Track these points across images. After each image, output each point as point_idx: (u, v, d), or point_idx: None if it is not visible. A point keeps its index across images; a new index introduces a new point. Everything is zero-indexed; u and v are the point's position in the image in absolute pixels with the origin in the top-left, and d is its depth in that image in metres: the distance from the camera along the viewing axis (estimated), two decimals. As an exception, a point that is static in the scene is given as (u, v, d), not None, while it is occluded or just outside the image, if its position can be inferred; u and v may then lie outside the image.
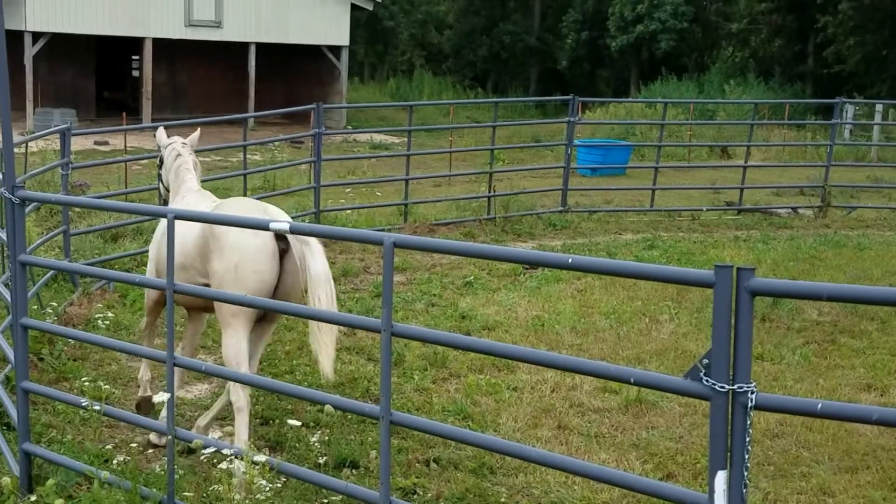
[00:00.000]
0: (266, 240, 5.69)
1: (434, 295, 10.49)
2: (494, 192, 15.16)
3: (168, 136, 7.02)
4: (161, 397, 4.95)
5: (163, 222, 5.80)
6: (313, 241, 5.69)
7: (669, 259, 12.52)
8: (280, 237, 5.69)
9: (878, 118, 27.70)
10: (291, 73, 35.78)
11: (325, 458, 5.88)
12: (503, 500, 5.63)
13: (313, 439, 5.78)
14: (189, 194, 6.64)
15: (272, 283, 5.74)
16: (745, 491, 3.00)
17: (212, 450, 4.90)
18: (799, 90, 39.26)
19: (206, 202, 6.45)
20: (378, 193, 17.49)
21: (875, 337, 9.00)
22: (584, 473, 3.92)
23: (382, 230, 13.40)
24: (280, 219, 5.43)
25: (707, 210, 16.02)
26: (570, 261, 3.36)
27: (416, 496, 5.67)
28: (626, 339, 8.95)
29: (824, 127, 23.50)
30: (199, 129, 7.61)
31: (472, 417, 6.96)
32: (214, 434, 6.44)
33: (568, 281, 11.01)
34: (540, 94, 48.43)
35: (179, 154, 6.88)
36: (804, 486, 5.83)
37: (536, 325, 9.33)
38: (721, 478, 3.01)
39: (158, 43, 30.45)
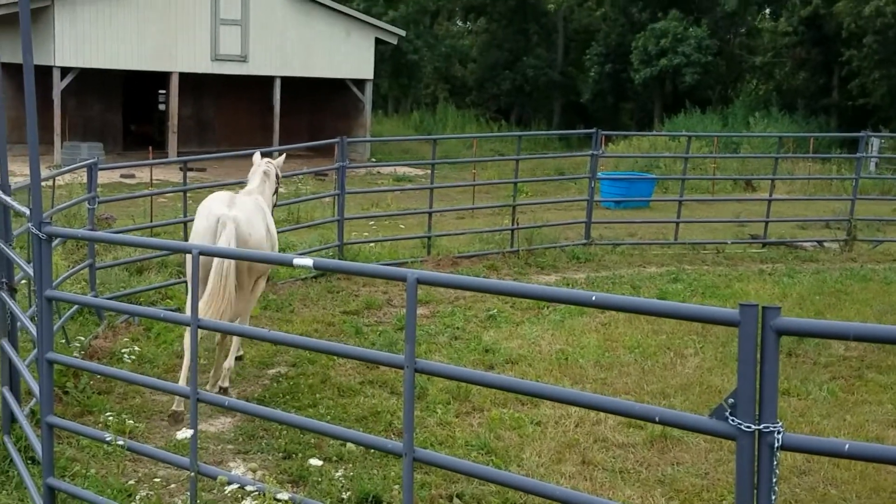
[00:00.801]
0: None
1: (457, 328, 10.48)
2: (518, 224, 15.16)
3: (259, 159, 9.47)
4: (185, 434, 4.96)
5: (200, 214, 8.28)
6: (228, 224, 7.98)
7: (694, 292, 12.44)
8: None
9: (905, 151, 27.60)
10: (316, 106, 36.09)
11: (348, 492, 5.86)
12: (527, 537, 5.59)
13: (337, 474, 5.77)
14: (243, 193, 8.93)
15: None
16: (771, 532, 2.97)
17: (235, 486, 4.90)
18: (823, 123, 39.19)
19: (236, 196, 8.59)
20: (401, 226, 17.53)
21: (903, 372, 8.91)
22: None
23: (406, 263, 13.43)
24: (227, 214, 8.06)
25: (732, 243, 15.95)
26: (593, 298, 3.35)
27: (439, 533, 5.64)
28: (650, 373, 8.89)
29: (850, 160, 23.37)
30: (283, 155, 10.37)
31: (495, 452, 6.92)
32: (238, 470, 6.44)
33: (592, 314, 10.96)
34: (563, 127, 48.58)
35: (256, 170, 9.31)
36: (832, 525, 5.77)
37: (560, 358, 9.29)
38: (747, 519, 2.98)
39: (185, 77, 30.80)
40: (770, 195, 17.27)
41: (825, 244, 16.30)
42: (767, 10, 48.17)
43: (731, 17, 44.40)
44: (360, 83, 33.43)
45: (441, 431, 7.32)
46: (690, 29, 41.83)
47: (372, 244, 14.51)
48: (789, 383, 8.47)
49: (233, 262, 7.73)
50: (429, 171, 15.86)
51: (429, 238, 14.45)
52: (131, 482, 5.97)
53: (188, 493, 5.39)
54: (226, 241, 7.82)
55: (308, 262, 4.36)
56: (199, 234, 8.09)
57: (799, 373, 8.85)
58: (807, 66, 42.97)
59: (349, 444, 4.75)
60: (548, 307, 11.39)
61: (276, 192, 9.52)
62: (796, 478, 6.44)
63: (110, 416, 6.61)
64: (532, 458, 6.81)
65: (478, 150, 33.16)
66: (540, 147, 39.83)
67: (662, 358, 9.35)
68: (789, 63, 43.21)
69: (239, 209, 8.18)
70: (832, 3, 38.61)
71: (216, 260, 7.63)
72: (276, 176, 9.48)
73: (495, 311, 11.13)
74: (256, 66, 31.61)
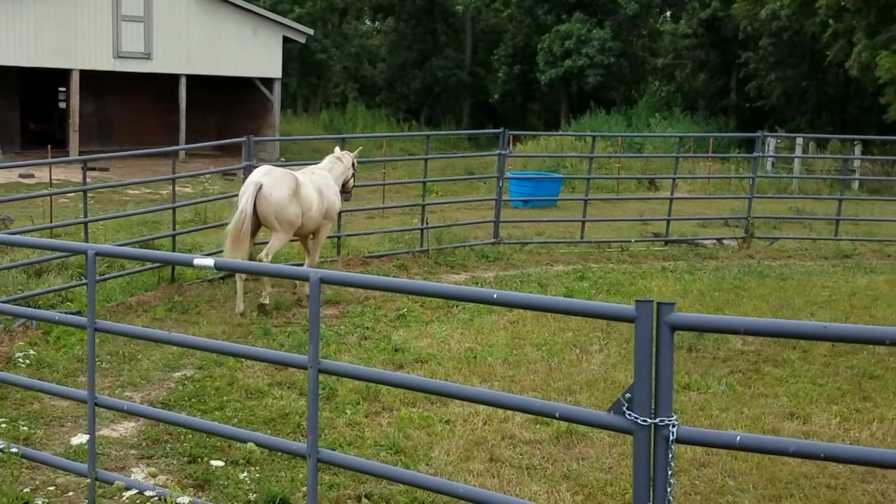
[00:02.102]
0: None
1: (367, 328, 10.48)
2: (427, 224, 15.22)
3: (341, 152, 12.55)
4: (80, 439, 4.87)
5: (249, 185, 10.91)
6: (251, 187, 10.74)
7: (599, 290, 12.66)
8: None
9: (798, 151, 28.46)
10: (224, 105, 35.63)
11: (255, 495, 5.82)
12: (435, 534, 5.63)
13: (242, 476, 5.72)
14: (308, 169, 12.03)
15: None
16: (667, 522, 3.05)
17: (134, 491, 4.83)
18: (723, 124, 40.20)
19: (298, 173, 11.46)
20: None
21: (797, 366, 9.20)
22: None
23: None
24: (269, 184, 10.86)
25: (635, 241, 16.26)
26: (495, 296, 3.40)
27: (347, 533, 5.64)
28: (557, 370, 9.02)
29: (747, 160, 24.02)
30: (359, 148, 13.47)
31: (404, 451, 6.94)
32: (138, 475, 6.34)
33: (500, 313, 11.07)
34: (473, 127, 48.88)
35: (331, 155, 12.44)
36: (730, 515, 5.93)
37: (469, 357, 9.36)
38: (644, 510, 3.06)
39: (86, 75, 30.11)
40: (671, 194, 17.68)
41: (724, 242, 16.74)
42: (668, 13, 49.25)
43: (634, 20, 45.23)
44: (268, 82, 33.12)
45: (350, 432, 7.31)
46: (594, 31, 42.47)
47: (280, 244, 14.39)
48: (690, 378, 8.68)
49: (248, 212, 10.60)
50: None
51: (338, 238, 14.41)
52: (27, 490, 5.82)
53: (86, 501, 5.29)
54: (246, 199, 10.68)
55: (209, 262, 4.33)
56: (240, 195, 10.95)
57: (699, 367, 9.07)
58: (706, 67, 44.03)
59: (251, 446, 4.71)
60: (457, 306, 11.47)
61: (352, 176, 12.59)
62: (696, 470, 6.60)
63: (3, 422, 6.43)
64: (441, 457, 6.86)
65: (388, 149, 33.15)
66: (450, 147, 40.00)
67: (569, 355, 9.50)
68: (690, 65, 44.24)
69: (270, 176, 10.98)
70: (729, 6, 39.62)
71: (239, 209, 10.62)
72: (353, 164, 12.55)
73: (405, 310, 11.16)
74: (160, 64, 31.07)
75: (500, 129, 16.23)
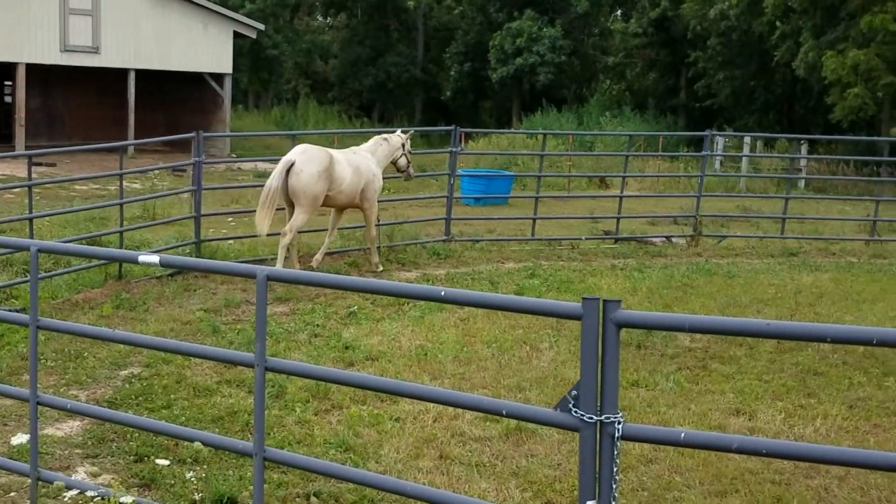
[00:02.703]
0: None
1: (317, 325, 10.44)
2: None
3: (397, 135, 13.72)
4: (21, 438, 4.80)
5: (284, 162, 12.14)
6: (281, 164, 12.11)
7: (550, 287, 12.72)
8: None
9: (746, 150, 28.82)
10: (173, 100, 35.27)
11: (201, 494, 5.77)
12: (383, 532, 5.62)
13: (189, 475, 5.67)
14: (351, 149, 13.42)
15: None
16: (612, 519, 3.07)
17: (76, 491, 4.76)
18: (672, 122, 40.57)
19: (336, 152, 12.74)
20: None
21: (744, 362, 9.32)
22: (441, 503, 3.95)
23: (266, 260, 13.28)
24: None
25: (586, 239, 16.37)
26: (442, 294, 3.41)
27: (295, 531, 5.62)
28: (507, 367, 9.05)
29: (696, 158, 24.29)
30: (411, 131, 14.13)
31: (353, 449, 6.93)
32: (82, 474, 6.26)
33: (451, 310, 11.08)
34: (425, 124, 48.85)
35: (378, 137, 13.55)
36: (676, 510, 5.99)
37: (420, 354, 9.36)
38: (590, 507, 3.09)
39: (32, 68, 29.63)
40: (621, 192, 17.81)
41: (673, 240, 16.91)
42: (619, 12, 49.62)
43: (584, 18, 45.51)
44: (218, 77, 32.82)
45: (299, 430, 7.28)
46: (545, 29, 42.68)
47: (231, 241, 14.29)
48: (638, 374, 8.76)
49: (274, 187, 11.90)
50: (290, 168, 15.75)
51: (288, 235, 14.31)
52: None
53: (29, 501, 5.22)
54: (275, 175, 12.01)
55: (154, 258, 4.29)
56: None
57: (647, 364, 9.16)
58: (656, 66, 44.42)
59: (198, 445, 4.67)
60: (408, 303, 11.47)
61: (403, 156, 13.66)
62: (644, 466, 6.66)
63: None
64: (390, 455, 6.85)
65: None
66: (402, 144, 39.95)
67: (519, 352, 9.53)
68: (640, 64, 44.60)
69: (304, 154, 12.17)
70: (679, 5, 40.00)
71: (268, 183, 12.03)
72: (403, 146, 13.57)
73: (356, 307, 11.13)
74: (109, 58, 30.66)
75: (452, 127, 16.25)
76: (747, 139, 29.39)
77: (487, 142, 32.14)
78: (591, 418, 3.12)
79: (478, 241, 15.94)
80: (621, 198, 17.36)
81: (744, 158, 28.48)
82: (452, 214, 16.07)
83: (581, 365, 3.12)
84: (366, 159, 13.09)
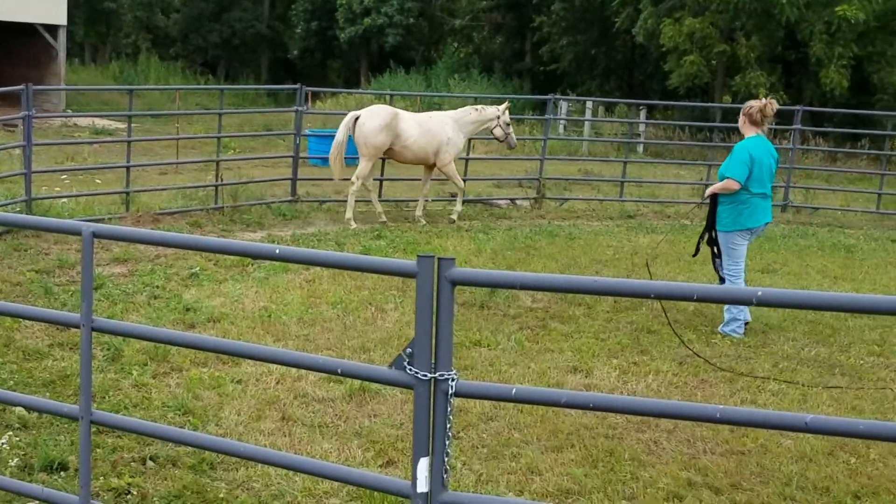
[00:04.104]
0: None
1: (157, 286, 10.19)
2: (222, 180, 14.91)
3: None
4: None
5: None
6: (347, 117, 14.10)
7: (396, 249, 12.78)
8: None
9: (588, 114, 29.50)
10: (2, 52, 33.46)
11: (32, 460, 5.57)
12: (222, 495, 5.55)
13: (16, 440, 5.46)
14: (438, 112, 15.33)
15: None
16: (446, 476, 3.12)
17: None
18: (518, 86, 41.08)
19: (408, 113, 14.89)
20: (98, 181, 16.77)
21: (582, 322, 9.59)
22: (283, 465, 3.94)
23: (103, 220, 12.84)
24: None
25: (432, 200, 16.47)
26: (277, 251, 3.37)
27: (130, 496, 5.49)
28: (352, 328, 9.05)
29: (540, 122, 24.71)
30: (507, 104, 15.13)
31: (193, 412, 6.81)
32: None
33: (296, 271, 10.99)
34: (271, 83, 48.02)
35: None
36: (514, 467, 6.13)
37: (263, 316, 9.26)
38: (423, 464, 3.12)
39: None
40: (467, 154, 17.95)
41: (517, 202, 17.21)
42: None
43: (433, -20, 45.51)
44: (51, 29, 31.30)
45: (136, 393, 7.11)
46: (393, -11, 42.48)
47: (64, 199, 13.76)
48: (481, 334, 8.90)
49: (338, 141, 13.95)
50: (132, 124, 15.26)
51: (127, 193, 13.91)
52: None
53: None
54: (341, 128, 14.13)
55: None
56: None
57: (490, 324, 9.32)
58: (503, 30, 44.82)
59: (20, 410, 4.50)
60: (252, 265, 11.32)
61: (498, 128, 14.68)
62: (483, 424, 6.79)
63: None
64: (231, 417, 6.77)
65: (182, 103, 32.13)
66: (248, 102, 39.16)
67: (364, 313, 9.54)
68: (487, 27, 44.91)
69: (369, 111, 14.17)
70: (524, -31, 40.45)
71: (336, 136, 14.09)
72: (498, 117, 14.63)
73: (198, 269, 10.91)
74: (-70, 5, 28.83)
75: (297, 85, 16.05)
76: (589, 104, 30.07)
77: (335, 102, 31.88)
78: (425, 376, 3.15)
79: (325, 201, 15.85)
80: (467, 160, 17.51)
81: (586, 123, 29.14)
82: (299, 175, 15.91)
83: (416, 323, 3.14)
84: (442, 124, 14.49)
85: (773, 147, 9.60)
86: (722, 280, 9.58)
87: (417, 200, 15.29)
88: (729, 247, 9.40)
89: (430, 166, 14.72)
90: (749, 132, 9.45)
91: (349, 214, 14.32)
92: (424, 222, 14.56)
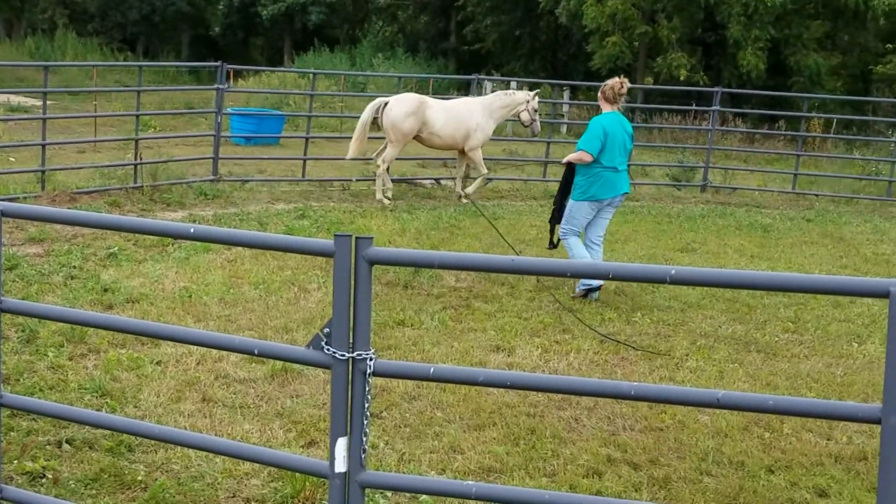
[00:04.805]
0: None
1: (74, 267, 9.99)
2: (141, 159, 14.65)
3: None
4: None
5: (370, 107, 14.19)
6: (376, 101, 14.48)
7: (320, 228, 12.71)
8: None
9: (513, 95, 29.57)
10: None
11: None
12: (140, 478, 5.47)
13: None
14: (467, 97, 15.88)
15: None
16: (364, 456, 3.12)
17: None
18: (443, 66, 41.02)
19: (435, 100, 15.37)
20: (12, 159, 16.36)
21: (505, 301, 9.66)
22: (201, 446, 3.90)
23: (17, 199, 12.53)
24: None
25: (357, 180, 16.40)
26: (192, 231, 3.32)
27: (44, 480, 5.39)
28: (274, 308, 8.99)
29: (466, 102, 24.70)
30: (537, 90, 16.33)
31: (111, 394, 6.70)
32: None
33: (218, 251, 10.88)
34: (193, 60, 47.11)
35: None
36: (436, 445, 6.16)
37: (184, 296, 9.14)
38: (341, 444, 3.11)
39: None
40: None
41: (442, 182, 17.22)
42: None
43: (357, -42, 45.12)
44: (-37, 2, 30.33)
45: (52, 375, 6.97)
46: (316, -32, 42.04)
47: (-24, 179, 13.40)
48: (405, 314, 8.91)
49: (363, 121, 14.41)
50: (48, 102, 14.90)
51: (43, 172, 13.59)
52: None
53: None
54: (367, 109, 14.51)
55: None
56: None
57: (414, 304, 9.33)
58: (427, 9, 44.67)
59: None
60: (172, 244, 11.17)
61: (525, 113, 14.91)
62: (406, 403, 6.80)
63: None
64: (150, 399, 6.68)
65: (101, 80, 31.46)
66: (169, 80, 38.46)
67: (287, 293, 9.48)
68: (411, 6, 44.72)
69: (397, 98, 14.64)
70: (448, -52, 40.35)
71: (361, 117, 14.50)
72: (527, 102, 14.91)
73: (116, 249, 10.73)
74: None
75: (218, 63, 15.83)
76: (513, 84, 30.14)
77: (258, 80, 31.50)
78: (343, 355, 3.14)
79: (247, 181, 15.69)
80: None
81: (511, 103, 29.20)
82: (221, 154, 15.72)
83: (333, 302, 3.13)
84: (470, 111, 14.84)
85: (628, 123, 10.14)
86: (554, 245, 10.34)
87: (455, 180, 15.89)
88: (573, 212, 9.90)
89: (463, 151, 15.13)
90: (606, 108, 10.02)
91: (379, 195, 14.87)
92: (467, 201, 15.06)
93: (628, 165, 10.19)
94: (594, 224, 9.99)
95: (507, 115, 15.30)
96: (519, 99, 15.12)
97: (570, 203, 9.96)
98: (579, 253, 9.85)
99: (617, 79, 10.07)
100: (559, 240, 10.17)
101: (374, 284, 9.68)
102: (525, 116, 15.09)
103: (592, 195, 9.79)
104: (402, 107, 14.28)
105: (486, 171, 15.53)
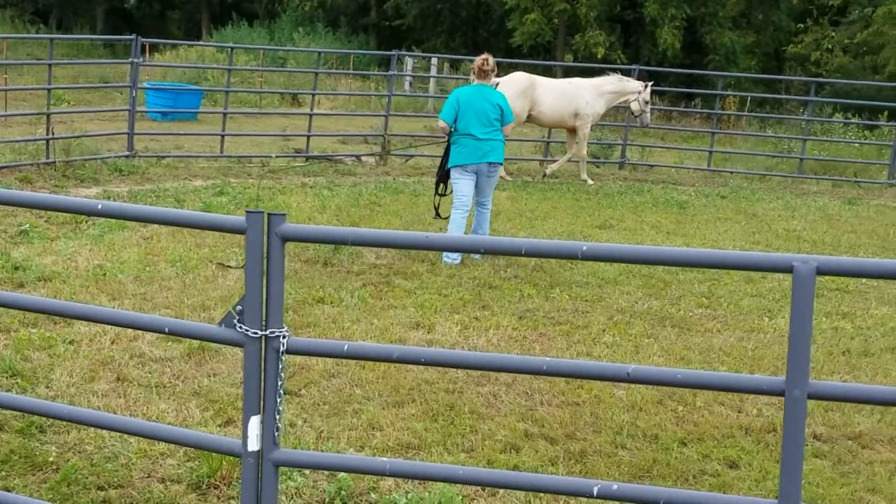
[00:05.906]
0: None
1: (-18, 245, 9.73)
2: (53, 134, 14.31)
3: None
4: None
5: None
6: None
7: (238, 205, 12.56)
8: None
9: (434, 71, 29.56)
10: None
11: None
12: (52, 459, 5.36)
13: None
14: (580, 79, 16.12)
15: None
16: (277, 434, 3.10)
17: None
18: (364, 41, 40.78)
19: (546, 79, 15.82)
20: (-84, 135, 15.86)
21: (425, 278, 9.67)
22: (113, 427, 3.84)
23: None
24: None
25: (276, 157, 16.26)
26: (99, 207, 3.26)
27: (-48, 464, 5.26)
28: (192, 286, 8.87)
29: (386, 78, 24.64)
30: (650, 82, 16.24)
31: (21, 374, 6.55)
32: None
33: (133, 228, 10.70)
34: (107, 33, 46.07)
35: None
36: (355, 423, 6.15)
37: (98, 274, 8.97)
38: (254, 423, 3.09)
39: None
40: (311, 110, 17.78)
41: (363, 158, 17.16)
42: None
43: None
44: None
45: (-41, 357, 6.79)
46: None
47: None
48: (324, 291, 8.87)
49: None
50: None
51: (-51, 148, 13.21)
52: None
53: None
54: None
55: None
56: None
57: (334, 281, 9.29)
58: (348, -16, 44.31)
59: None
60: (86, 221, 10.95)
61: (636, 103, 15.39)
62: (325, 381, 6.78)
63: None
64: (63, 379, 6.54)
65: (11, 53, 30.57)
66: (83, 54, 37.55)
67: (204, 271, 9.36)
68: (332, -20, 44.29)
69: (506, 80, 14.98)
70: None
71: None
72: (639, 92, 15.37)
73: (27, 226, 10.48)
74: None
75: (133, 36, 15.51)
76: (434, 60, 30.12)
77: (175, 54, 30.96)
78: (256, 333, 3.11)
79: (164, 157, 15.45)
80: (311, 115, 17.33)
81: (431, 79, 29.19)
82: (137, 129, 15.43)
83: (246, 279, 3.10)
84: (579, 89, 15.38)
85: (498, 95, 10.60)
86: (439, 215, 11.00)
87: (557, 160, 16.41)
88: (452, 180, 10.61)
89: (572, 129, 15.59)
90: (473, 81, 10.64)
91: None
92: (550, 177, 15.82)
93: (504, 137, 10.71)
94: (477, 191, 10.59)
95: (616, 100, 15.65)
96: (631, 87, 15.49)
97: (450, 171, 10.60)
98: (452, 231, 10.43)
99: (481, 56, 10.62)
100: (444, 213, 10.81)
101: (294, 262, 9.66)
102: (635, 106, 15.49)
103: (455, 162, 10.41)
104: (512, 87, 14.55)
105: (584, 152, 15.96)
